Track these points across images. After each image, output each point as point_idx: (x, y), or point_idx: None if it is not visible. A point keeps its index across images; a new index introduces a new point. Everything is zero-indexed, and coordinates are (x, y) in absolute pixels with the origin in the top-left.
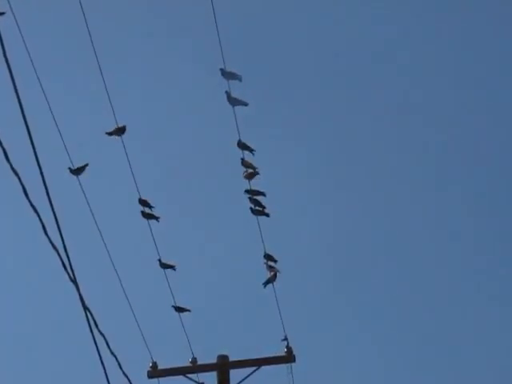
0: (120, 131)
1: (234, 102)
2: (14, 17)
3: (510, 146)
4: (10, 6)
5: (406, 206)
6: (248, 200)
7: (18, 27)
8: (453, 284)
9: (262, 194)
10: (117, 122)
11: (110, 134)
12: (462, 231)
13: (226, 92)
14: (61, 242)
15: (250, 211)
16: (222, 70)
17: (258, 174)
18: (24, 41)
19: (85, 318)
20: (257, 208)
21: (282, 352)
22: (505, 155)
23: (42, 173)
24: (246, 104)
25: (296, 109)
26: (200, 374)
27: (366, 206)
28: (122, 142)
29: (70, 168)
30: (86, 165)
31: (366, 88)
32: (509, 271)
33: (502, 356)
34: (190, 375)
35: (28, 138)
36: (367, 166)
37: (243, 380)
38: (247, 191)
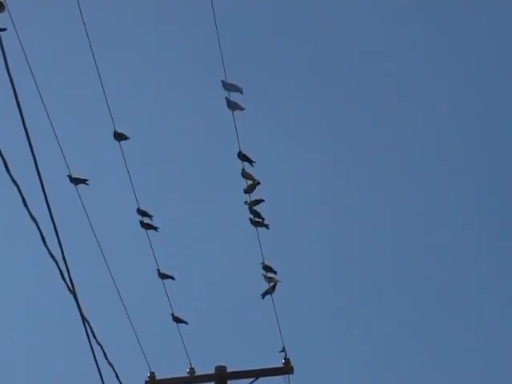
0: (121, 138)
1: (232, 105)
2: (13, 23)
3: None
4: (10, 15)
5: (408, 213)
6: (248, 210)
7: (18, 36)
8: (456, 291)
9: (262, 200)
10: (115, 130)
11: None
12: (461, 231)
13: (226, 98)
14: (60, 253)
15: (249, 222)
16: (223, 81)
17: (259, 183)
18: (25, 53)
19: (83, 329)
20: (256, 219)
21: (280, 363)
22: (506, 153)
23: (41, 183)
24: (242, 108)
25: (298, 118)
26: None
27: (367, 218)
28: (122, 150)
29: (69, 175)
30: (86, 180)
31: (366, 94)
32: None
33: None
34: None
35: (28, 148)
36: (368, 177)
37: None
38: (246, 202)
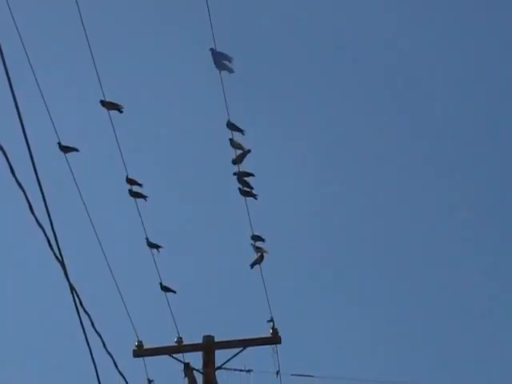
0: (113, 106)
1: (221, 65)
2: (8, 3)
3: (509, 142)
4: None
5: (395, 191)
6: (236, 181)
7: (11, 12)
8: (438, 264)
9: (251, 174)
10: (104, 98)
11: (105, 104)
12: (460, 230)
13: (213, 58)
14: (47, 221)
15: (238, 192)
16: (212, 49)
17: (249, 151)
18: (17, 28)
19: (70, 297)
20: (245, 189)
21: (268, 333)
22: (505, 151)
23: (30, 151)
24: (231, 70)
25: (286, 92)
26: (185, 354)
27: (356, 188)
28: (111, 121)
29: (59, 143)
30: (76, 149)
31: (359, 77)
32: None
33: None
34: (175, 355)
35: (17, 116)
36: (357, 150)
37: (228, 360)
38: (236, 174)
